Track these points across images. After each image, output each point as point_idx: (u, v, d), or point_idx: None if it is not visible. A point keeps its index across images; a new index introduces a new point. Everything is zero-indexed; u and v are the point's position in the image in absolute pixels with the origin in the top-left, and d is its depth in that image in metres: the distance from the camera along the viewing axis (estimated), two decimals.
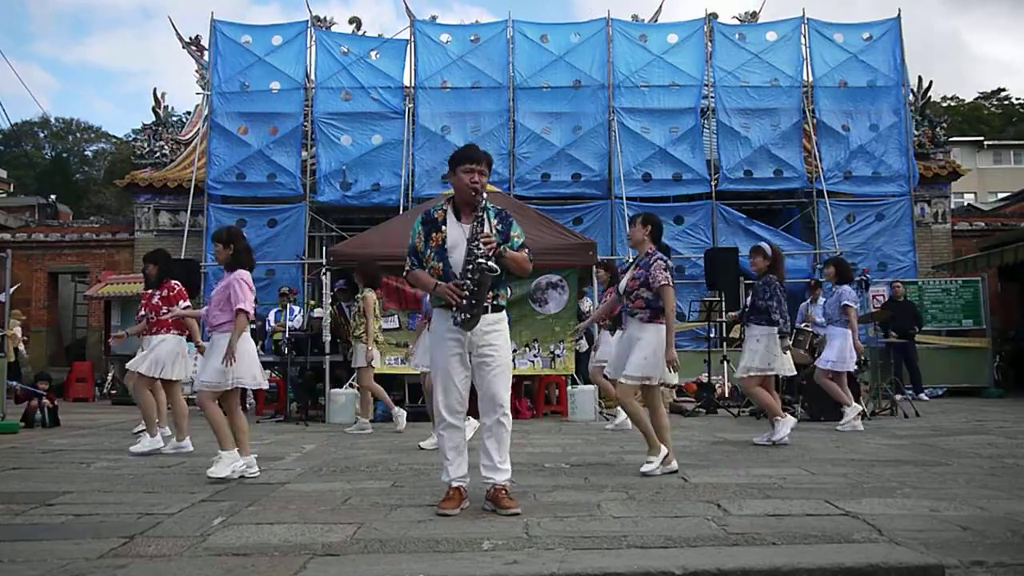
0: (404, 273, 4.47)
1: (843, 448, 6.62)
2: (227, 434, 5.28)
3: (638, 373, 5.30)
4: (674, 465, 5.34)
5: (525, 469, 5.45)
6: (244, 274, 5.47)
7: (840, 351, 8.14)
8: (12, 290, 10.44)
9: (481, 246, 4.01)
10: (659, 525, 3.73)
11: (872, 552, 3.24)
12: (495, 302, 4.20)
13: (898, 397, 10.04)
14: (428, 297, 7.05)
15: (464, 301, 4.02)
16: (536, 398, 10.35)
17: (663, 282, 5.27)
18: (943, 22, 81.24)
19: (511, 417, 4.25)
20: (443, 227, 4.20)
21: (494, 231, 4.17)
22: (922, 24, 74.49)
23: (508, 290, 4.43)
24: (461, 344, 4.14)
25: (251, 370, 5.42)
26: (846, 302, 8.20)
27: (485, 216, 4.16)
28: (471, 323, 4.05)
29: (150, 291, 7.17)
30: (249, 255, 5.66)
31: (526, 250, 4.29)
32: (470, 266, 4.01)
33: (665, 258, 5.42)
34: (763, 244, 7.29)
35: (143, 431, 7.00)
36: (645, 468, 5.24)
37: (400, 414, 8.36)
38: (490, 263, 3.97)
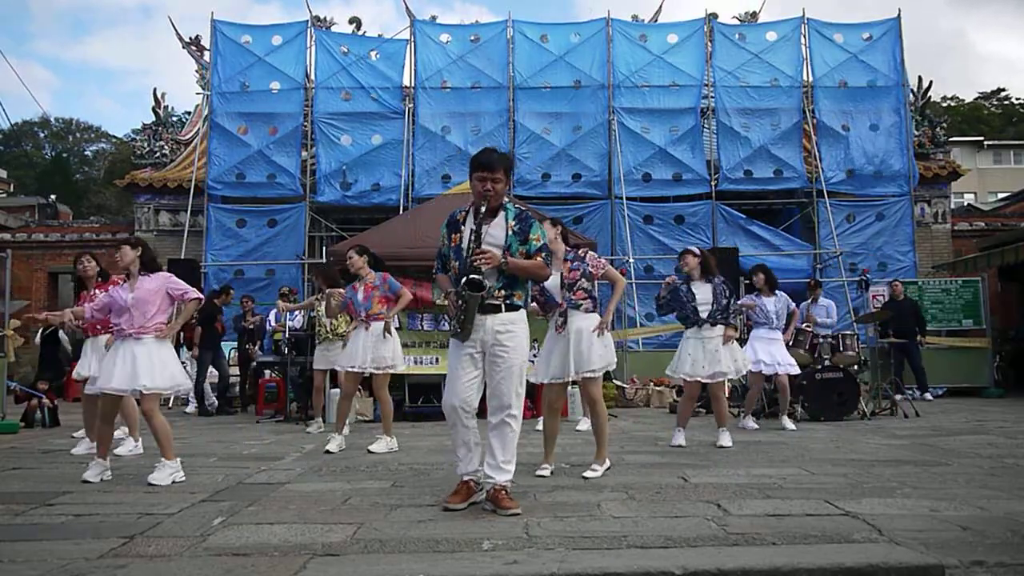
0: (432, 275, 4.57)
1: (843, 448, 6.62)
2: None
3: (602, 364, 5.34)
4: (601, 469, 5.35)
5: (525, 469, 5.44)
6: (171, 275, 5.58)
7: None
8: (17, 309, 10.37)
9: (475, 262, 4.03)
10: (659, 525, 3.73)
11: (872, 552, 3.24)
12: (509, 301, 4.19)
13: (898, 397, 10.04)
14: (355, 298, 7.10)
15: (456, 313, 4.10)
16: (536, 398, 10.33)
17: (606, 266, 5.56)
18: (948, 21, 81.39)
19: (520, 419, 4.23)
20: (463, 227, 4.22)
21: (510, 231, 4.18)
22: (928, 23, 74.65)
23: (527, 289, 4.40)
24: (475, 342, 4.16)
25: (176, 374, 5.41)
26: (794, 307, 8.52)
27: (503, 217, 4.20)
28: (462, 336, 4.13)
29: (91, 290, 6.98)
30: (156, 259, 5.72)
31: (542, 255, 4.24)
32: (462, 280, 4.05)
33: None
34: (691, 246, 7.38)
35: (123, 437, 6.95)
36: (588, 474, 5.20)
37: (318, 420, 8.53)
38: (473, 278, 3.98)
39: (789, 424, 8.20)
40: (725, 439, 6.77)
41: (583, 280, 5.37)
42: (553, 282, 5.28)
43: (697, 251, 7.11)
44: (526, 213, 4.33)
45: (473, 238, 4.10)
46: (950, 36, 76.91)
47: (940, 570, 3.04)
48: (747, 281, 9.23)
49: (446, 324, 9.65)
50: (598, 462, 5.30)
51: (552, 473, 5.27)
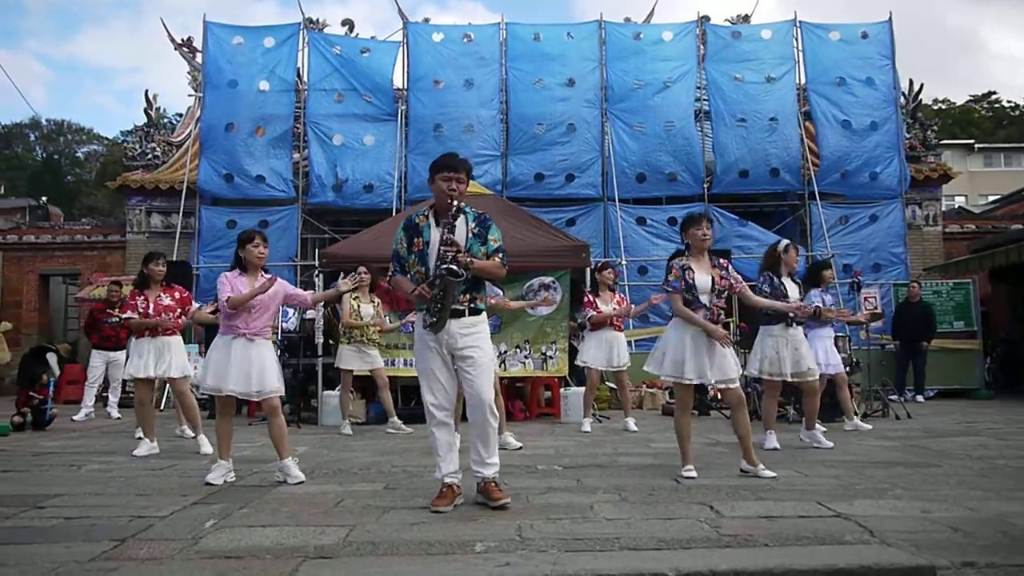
0: (388, 278, 4.63)
1: (835, 449, 6.64)
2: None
3: (737, 372, 5.41)
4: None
5: (518, 471, 5.45)
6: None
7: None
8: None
9: (450, 253, 4.15)
10: (652, 527, 3.73)
11: (864, 553, 3.25)
12: (472, 305, 4.34)
13: (892, 399, 10.06)
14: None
15: (431, 305, 4.18)
16: (529, 400, 10.34)
17: (741, 284, 5.53)
18: (960, 18, 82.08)
19: (497, 415, 4.42)
20: (425, 232, 4.34)
21: (470, 234, 4.32)
22: (940, 20, 75.14)
23: (501, 292, 4.50)
24: (440, 346, 4.30)
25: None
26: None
27: (463, 220, 4.32)
28: (437, 326, 4.22)
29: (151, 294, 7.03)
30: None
31: (500, 255, 4.38)
32: (437, 272, 4.16)
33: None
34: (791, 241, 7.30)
35: (194, 436, 7.22)
36: (764, 473, 5.21)
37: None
38: (452, 267, 4.08)
39: (864, 425, 8.26)
40: (823, 440, 6.85)
41: (726, 291, 5.37)
42: (703, 283, 5.28)
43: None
44: (485, 215, 4.47)
45: (447, 232, 4.21)
46: (962, 33, 77.62)
47: (931, 571, 3.06)
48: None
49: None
50: (759, 463, 5.29)
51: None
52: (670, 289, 5.36)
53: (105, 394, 10.88)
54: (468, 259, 4.16)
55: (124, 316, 6.96)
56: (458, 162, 4.37)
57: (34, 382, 9.06)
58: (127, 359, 7.39)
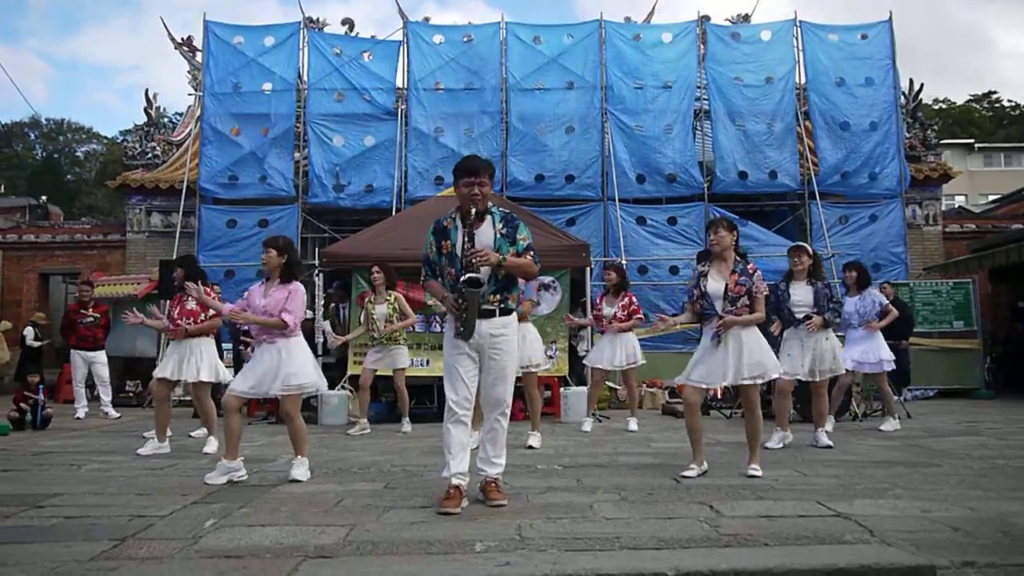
0: (422, 281, 4.70)
1: (835, 449, 6.65)
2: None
3: (758, 372, 5.35)
4: None
5: (518, 470, 5.45)
6: (301, 287, 5.46)
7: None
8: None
9: (474, 260, 4.18)
10: (651, 526, 3.73)
11: (864, 553, 3.25)
12: (503, 305, 4.37)
13: (895, 399, 10.05)
14: None
15: (458, 314, 4.24)
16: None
17: (766, 291, 5.42)
18: (967, 16, 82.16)
19: (508, 417, 4.48)
20: (452, 235, 4.37)
21: (498, 235, 4.34)
22: (948, 18, 75.06)
23: (525, 292, 4.56)
24: (468, 344, 4.33)
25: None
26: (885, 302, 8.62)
27: (490, 221, 4.36)
28: (465, 335, 4.27)
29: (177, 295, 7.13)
30: (301, 267, 5.70)
31: (531, 253, 4.41)
32: (459, 282, 4.20)
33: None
34: (805, 244, 7.36)
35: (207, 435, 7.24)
36: (751, 472, 5.23)
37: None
38: (472, 276, 4.13)
39: (886, 426, 8.25)
40: (822, 439, 6.85)
41: (745, 297, 5.26)
42: (715, 289, 5.26)
43: (811, 252, 7.03)
44: (512, 215, 4.49)
45: (467, 241, 4.27)
46: (969, 31, 77.65)
47: (931, 571, 3.06)
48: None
49: (437, 326, 9.65)
50: (756, 464, 5.28)
51: (703, 473, 5.24)
52: (685, 298, 5.59)
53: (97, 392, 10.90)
54: (500, 257, 4.21)
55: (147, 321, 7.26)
56: (479, 165, 4.38)
57: (29, 369, 9.17)
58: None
